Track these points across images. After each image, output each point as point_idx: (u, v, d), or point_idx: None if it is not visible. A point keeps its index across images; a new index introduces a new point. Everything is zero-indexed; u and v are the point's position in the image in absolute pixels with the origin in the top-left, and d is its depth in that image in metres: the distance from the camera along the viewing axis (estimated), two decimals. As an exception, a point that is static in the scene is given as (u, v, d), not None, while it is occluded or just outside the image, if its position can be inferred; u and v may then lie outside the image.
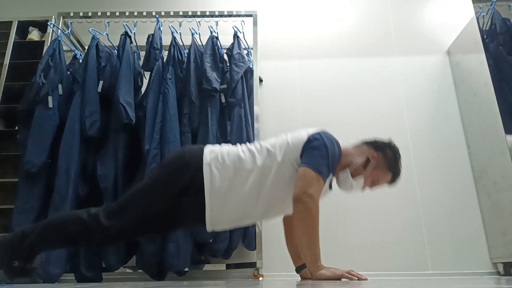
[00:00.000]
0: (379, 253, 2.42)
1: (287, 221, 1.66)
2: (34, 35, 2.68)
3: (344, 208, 2.49)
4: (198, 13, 2.68)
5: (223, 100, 2.42)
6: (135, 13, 2.62)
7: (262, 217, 1.56)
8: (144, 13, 2.62)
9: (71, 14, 2.61)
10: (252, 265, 2.21)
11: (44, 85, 2.26)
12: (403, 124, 2.75)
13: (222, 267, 2.30)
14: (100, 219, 1.39)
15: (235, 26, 2.59)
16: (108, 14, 2.61)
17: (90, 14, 2.61)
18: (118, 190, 2.17)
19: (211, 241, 2.17)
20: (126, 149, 2.26)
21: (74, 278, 2.10)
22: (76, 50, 2.64)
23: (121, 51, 2.43)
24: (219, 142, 2.29)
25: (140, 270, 2.14)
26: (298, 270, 1.64)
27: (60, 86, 2.33)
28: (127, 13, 2.61)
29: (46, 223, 1.50)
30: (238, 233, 2.21)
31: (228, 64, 2.52)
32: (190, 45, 2.49)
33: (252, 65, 2.54)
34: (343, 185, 1.53)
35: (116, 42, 2.51)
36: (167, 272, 2.15)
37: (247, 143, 1.56)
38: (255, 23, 2.62)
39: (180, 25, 2.59)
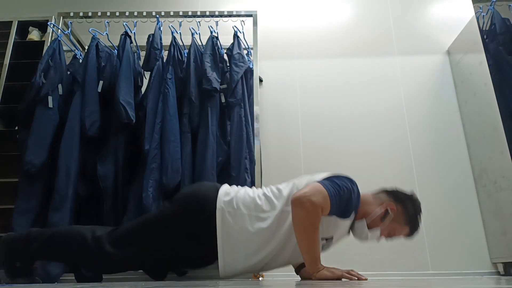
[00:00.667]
0: (379, 253, 2.42)
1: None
2: (34, 35, 2.67)
3: (344, 208, 2.48)
4: (198, 13, 2.68)
5: (223, 100, 2.42)
6: (135, 13, 2.62)
7: (274, 262, 1.47)
8: (144, 13, 2.62)
9: (71, 14, 2.61)
10: (252, 265, 2.20)
11: (44, 85, 2.25)
12: (403, 124, 2.75)
13: (222, 267, 2.30)
14: (104, 245, 1.39)
15: (235, 26, 2.59)
16: (108, 14, 2.61)
17: (90, 14, 2.60)
18: (118, 190, 2.16)
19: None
20: (126, 149, 2.25)
21: (74, 278, 2.09)
22: (76, 50, 2.64)
23: (121, 51, 2.43)
24: (219, 142, 2.29)
25: (140, 270, 2.13)
26: (297, 270, 1.64)
27: (60, 86, 2.32)
28: (127, 13, 2.61)
29: (52, 234, 1.50)
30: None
31: (228, 64, 2.51)
32: (190, 45, 2.49)
33: (252, 65, 2.54)
34: (358, 235, 1.48)
35: (116, 42, 2.51)
36: (167, 272, 2.15)
37: (263, 187, 1.52)
38: (255, 23, 2.62)
39: (180, 25, 2.59)
